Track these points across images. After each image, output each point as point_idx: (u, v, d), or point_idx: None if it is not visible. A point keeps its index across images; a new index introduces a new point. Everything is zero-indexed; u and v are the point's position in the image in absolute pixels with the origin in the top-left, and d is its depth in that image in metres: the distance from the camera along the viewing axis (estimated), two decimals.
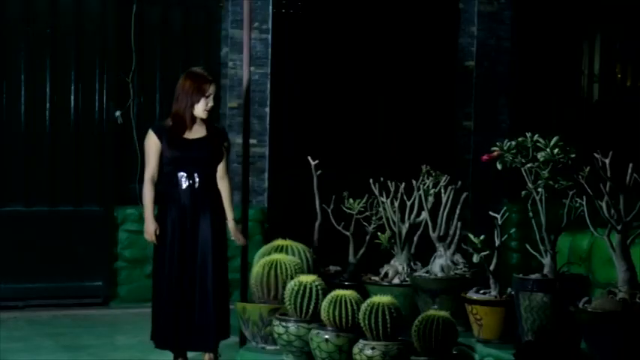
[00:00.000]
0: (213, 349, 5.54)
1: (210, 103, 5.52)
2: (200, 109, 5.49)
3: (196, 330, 5.42)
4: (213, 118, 5.71)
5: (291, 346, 4.98)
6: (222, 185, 5.61)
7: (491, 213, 4.95)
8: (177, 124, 5.50)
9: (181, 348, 5.53)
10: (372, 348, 4.58)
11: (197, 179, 5.46)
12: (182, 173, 5.45)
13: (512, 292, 4.72)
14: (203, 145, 5.51)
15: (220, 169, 5.60)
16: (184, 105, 5.48)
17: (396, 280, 5.55)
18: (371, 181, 5.75)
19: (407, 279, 5.49)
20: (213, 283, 5.42)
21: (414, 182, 5.64)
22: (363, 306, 4.69)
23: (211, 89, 5.51)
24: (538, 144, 4.62)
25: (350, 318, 4.77)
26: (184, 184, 5.45)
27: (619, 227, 4.18)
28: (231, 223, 5.66)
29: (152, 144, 5.53)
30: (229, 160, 5.74)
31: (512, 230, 5.09)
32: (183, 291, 5.42)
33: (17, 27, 7.84)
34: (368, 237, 5.86)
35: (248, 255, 6.19)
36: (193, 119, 5.50)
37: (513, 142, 4.70)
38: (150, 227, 5.52)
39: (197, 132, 5.53)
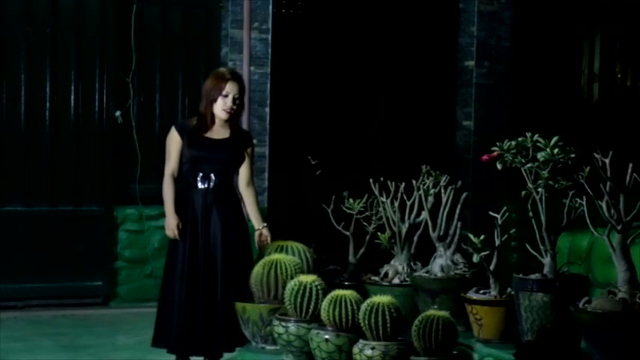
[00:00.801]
0: (218, 356, 5.40)
1: (229, 103, 5.33)
2: (218, 108, 5.34)
3: (203, 335, 5.31)
4: (238, 121, 5.53)
5: (291, 346, 4.99)
6: (248, 192, 5.50)
7: (491, 213, 4.95)
8: (200, 123, 5.38)
9: (190, 353, 5.40)
10: (372, 348, 4.59)
11: (213, 181, 5.34)
12: (199, 173, 5.34)
13: (512, 292, 4.72)
14: (224, 147, 5.37)
15: (244, 175, 5.48)
16: (204, 104, 5.37)
17: (396, 280, 5.55)
18: (371, 181, 5.75)
19: (407, 279, 5.50)
20: (222, 287, 5.32)
21: (414, 182, 5.64)
22: (363, 306, 4.69)
23: (229, 88, 5.31)
24: (538, 144, 4.62)
25: (350, 318, 4.77)
26: (200, 185, 5.34)
27: (619, 227, 4.18)
28: (264, 230, 5.55)
29: (173, 141, 5.40)
30: (253, 166, 5.57)
31: (512, 230, 5.08)
32: (195, 295, 5.30)
33: (17, 27, 7.84)
34: (368, 237, 5.86)
35: None
36: (214, 119, 5.37)
37: (513, 142, 4.70)
38: (171, 222, 5.34)
39: (220, 133, 5.39)
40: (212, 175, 5.33)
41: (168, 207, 5.38)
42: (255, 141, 8.17)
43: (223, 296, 5.31)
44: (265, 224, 5.59)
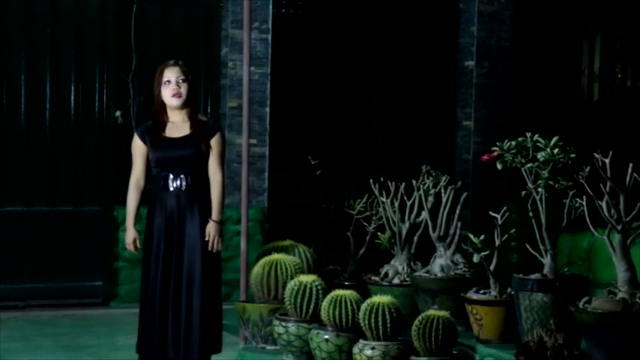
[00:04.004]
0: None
1: (174, 87, 5.10)
2: (166, 96, 5.11)
3: (182, 343, 5.06)
4: (196, 113, 5.26)
5: (291, 346, 4.99)
6: (213, 181, 5.16)
7: (491, 213, 4.95)
8: (155, 122, 5.19)
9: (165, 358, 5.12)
10: (372, 348, 4.59)
11: (185, 180, 5.10)
12: (169, 175, 5.10)
13: (512, 292, 4.72)
14: (187, 144, 5.12)
15: (211, 164, 5.16)
16: (155, 99, 5.19)
17: (396, 280, 5.56)
18: (371, 181, 5.75)
19: (407, 279, 5.50)
20: (200, 292, 5.04)
21: (414, 182, 5.65)
22: (363, 306, 4.70)
23: (168, 73, 5.13)
24: (538, 144, 4.62)
25: (350, 318, 4.78)
26: (171, 186, 5.10)
27: (619, 227, 4.18)
28: (210, 223, 5.11)
29: (136, 147, 5.19)
30: (222, 155, 5.25)
31: (512, 230, 5.08)
32: (170, 300, 5.06)
33: (17, 27, 7.84)
34: (368, 237, 5.86)
35: (248, 255, 6.19)
36: (166, 114, 5.15)
37: (513, 142, 4.70)
38: (129, 236, 5.18)
39: (180, 130, 5.16)
40: (182, 176, 5.10)
41: (129, 220, 5.20)
42: (254, 141, 8.22)
43: (203, 304, 5.05)
44: (216, 220, 5.13)
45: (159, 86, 5.16)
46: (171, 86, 5.13)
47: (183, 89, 5.14)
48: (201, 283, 5.06)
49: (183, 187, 5.11)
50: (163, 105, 5.18)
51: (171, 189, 5.12)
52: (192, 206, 5.12)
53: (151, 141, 5.15)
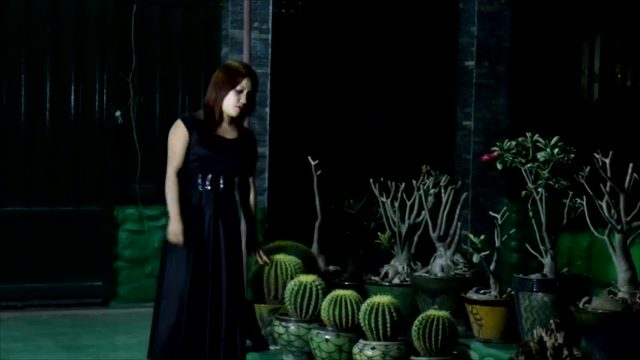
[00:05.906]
0: None
1: (243, 100, 4.91)
2: (229, 103, 4.92)
3: (209, 351, 4.89)
4: (242, 120, 5.11)
5: (291, 346, 4.99)
6: (249, 191, 5.17)
7: (491, 213, 4.96)
8: (208, 118, 4.97)
9: None
10: (372, 348, 4.59)
11: (222, 183, 4.94)
12: (207, 174, 4.92)
13: (513, 292, 4.73)
14: (235, 148, 4.98)
15: (249, 173, 5.15)
16: (213, 98, 4.95)
17: (396, 280, 5.56)
18: (371, 181, 5.75)
19: (407, 279, 5.51)
20: (227, 300, 4.86)
21: (414, 182, 5.65)
22: (363, 306, 4.70)
23: (244, 83, 4.91)
24: (538, 144, 4.63)
25: (350, 318, 4.78)
26: (208, 187, 4.92)
27: (619, 227, 4.19)
28: (255, 238, 5.18)
29: (180, 136, 4.92)
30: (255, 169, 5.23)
31: (512, 230, 5.09)
32: (196, 307, 4.88)
33: (17, 27, 7.84)
34: (368, 237, 5.87)
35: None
36: (222, 115, 4.97)
37: (513, 142, 4.71)
38: (177, 227, 4.86)
39: (228, 132, 4.99)
40: (221, 178, 4.93)
41: (174, 210, 4.90)
42: None
43: (229, 312, 4.87)
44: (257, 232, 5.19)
45: (226, 89, 4.96)
46: (240, 98, 4.95)
47: (247, 103, 5.00)
48: (228, 291, 4.89)
49: (220, 189, 4.96)
50: (221, 107, 4.98)
51: (207, 189, 4.95)
52: (224, 209, 4.96)
53: (199, 135, 4.95)
